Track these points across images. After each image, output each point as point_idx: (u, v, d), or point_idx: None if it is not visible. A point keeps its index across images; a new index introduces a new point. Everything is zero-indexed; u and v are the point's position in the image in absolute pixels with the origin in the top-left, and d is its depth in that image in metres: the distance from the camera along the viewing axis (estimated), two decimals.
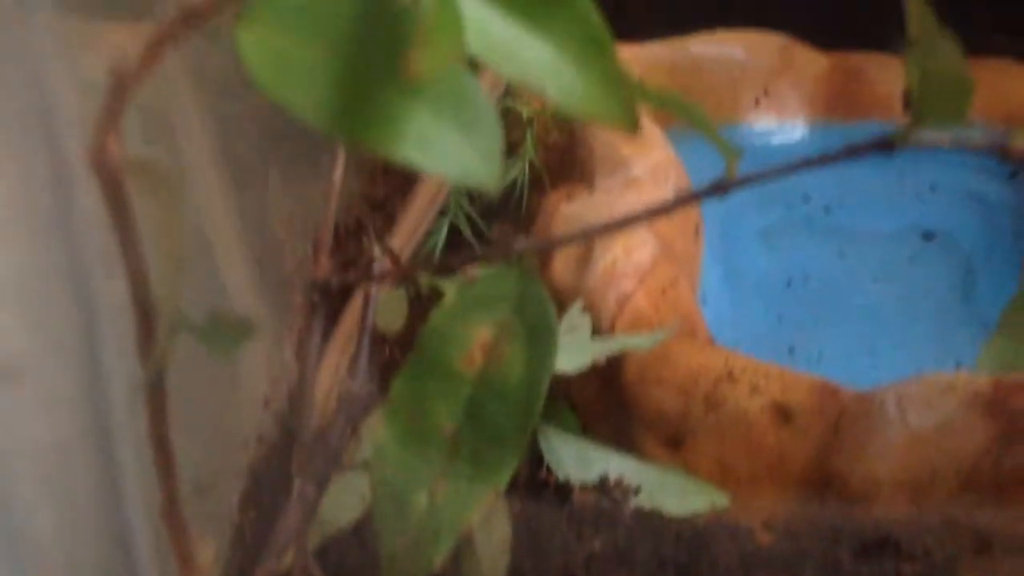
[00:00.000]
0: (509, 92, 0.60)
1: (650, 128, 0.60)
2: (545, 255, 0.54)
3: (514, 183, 0.59)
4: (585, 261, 0.52)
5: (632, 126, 0.28)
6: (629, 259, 0.50)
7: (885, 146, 0.34)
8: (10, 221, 0.30)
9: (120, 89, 0.23)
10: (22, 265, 0.30)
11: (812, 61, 0.69)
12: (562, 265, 0.53)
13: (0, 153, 0.30)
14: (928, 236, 0.62)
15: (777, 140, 0.68)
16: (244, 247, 0.47)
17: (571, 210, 0.55)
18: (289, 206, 0.52)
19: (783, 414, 0.45)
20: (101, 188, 0.23)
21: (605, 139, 0.59)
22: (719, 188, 0.33)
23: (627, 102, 0.27)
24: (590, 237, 0.44)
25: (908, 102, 0.32)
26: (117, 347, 0.32)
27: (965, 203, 0.64)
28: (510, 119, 0.58)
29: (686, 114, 0.33)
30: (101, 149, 0.23)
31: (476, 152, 0.24)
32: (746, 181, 0.33)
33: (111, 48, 0.42)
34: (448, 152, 0.24)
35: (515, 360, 0.33)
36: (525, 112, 0.58)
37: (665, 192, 0.57)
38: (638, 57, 0.69)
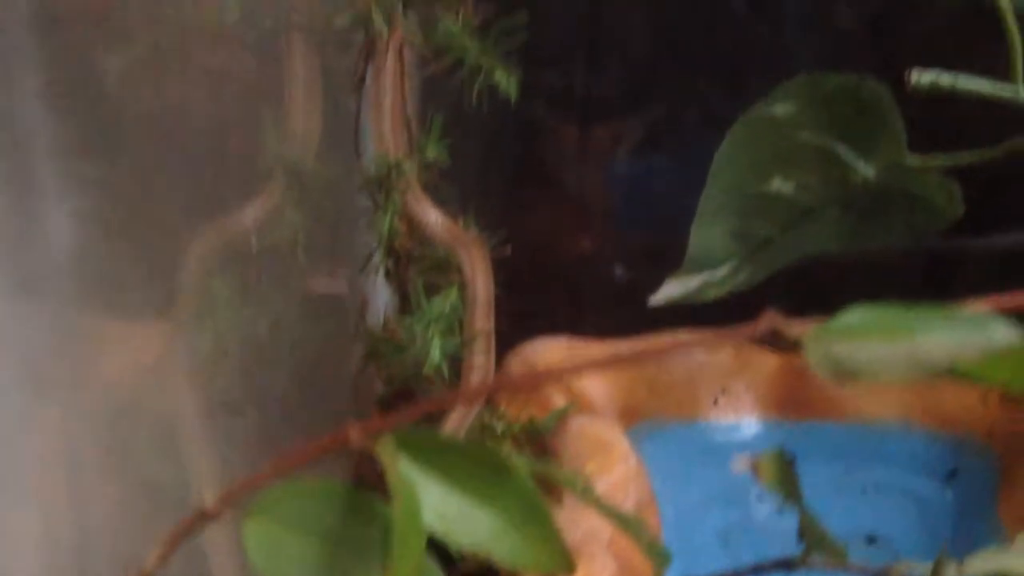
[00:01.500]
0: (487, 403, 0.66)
1: (616, 441, 0.66)
2: None
3: None
4: None
5: (570, 572, 0.33)
6: None
7: (786, 567, 0.40)
8: None
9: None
10: None
11: (764, 362, 0.76)
12: None
13: None
14: (871, 540, 0.67)
15: (735, 437, 0.74)
16: None
17: None
18: None
19: None
20: None
21: (573, 452, 0.65)
22: None
23: (562, 554, 0.33)
24: None
25: (801, 535, 0.39)
26: None
27: (906, 504, 0.69)
28: (486, 434, 0.64)
29: (631, 530, 0.38)
30: None
31: None
32: None
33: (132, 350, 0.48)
34: None
35: None
36: (499, 427, 0.64)
37: (627, 506, 0.62)
38: (606, 354, 0.76)
